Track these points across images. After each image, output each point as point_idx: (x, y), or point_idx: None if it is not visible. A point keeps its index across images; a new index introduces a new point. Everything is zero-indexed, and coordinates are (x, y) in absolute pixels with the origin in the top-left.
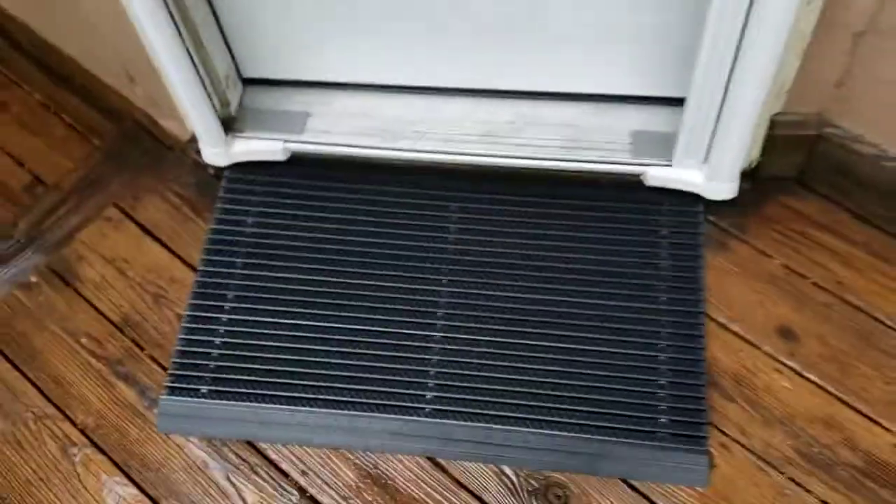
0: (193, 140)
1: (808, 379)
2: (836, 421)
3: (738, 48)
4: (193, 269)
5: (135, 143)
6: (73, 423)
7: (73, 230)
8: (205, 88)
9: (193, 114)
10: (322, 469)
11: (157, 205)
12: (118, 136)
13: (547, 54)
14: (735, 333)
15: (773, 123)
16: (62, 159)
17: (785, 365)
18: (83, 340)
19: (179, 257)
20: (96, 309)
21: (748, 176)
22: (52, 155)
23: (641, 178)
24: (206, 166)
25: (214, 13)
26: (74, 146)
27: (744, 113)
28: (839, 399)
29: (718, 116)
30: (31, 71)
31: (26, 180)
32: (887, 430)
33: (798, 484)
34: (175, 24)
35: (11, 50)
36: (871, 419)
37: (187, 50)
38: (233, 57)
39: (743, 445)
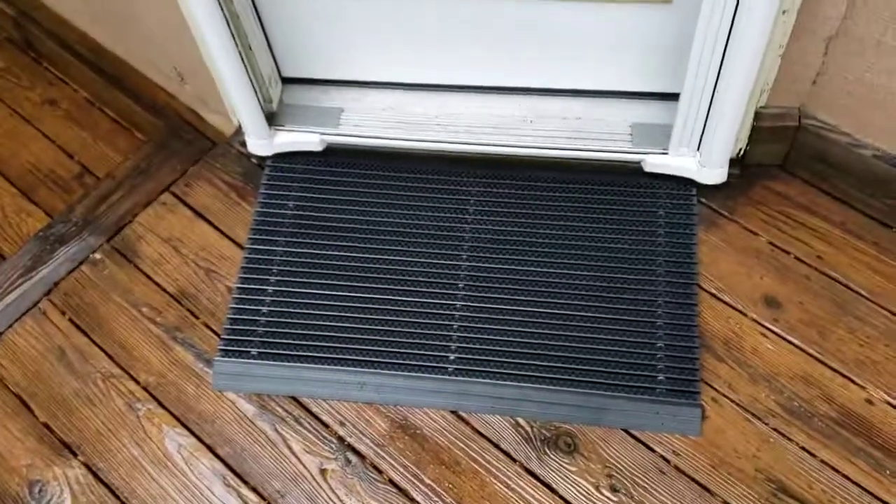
0: (237, 133)
1: (789, 342)
2: (814, 378)
3: (724, 51)
4: (241, 247)
5: (180, 137)
6: (137, 382)
7: (125, 214)
8: (252, 87)
9: (242, 109)
10: (358, 420)
11: (207, 191)
12: (165, 130)
13: (554, 55)
14: (725, 302)
15: (758, 115)
16: (108, 151)
17: (769, 329)
18: (144, 310)
19: (228, 237)
20: (155, 282)
21: (736, 162)
22: (98, 147)
23: (641, 164)
24: (250, 156)
25: (261, 21)
26: (119, 139)
27: (731, 107)
28: (817, 359)
29: (709, 110)
30: (78, 69)
31: (76, 170)
32: (860, 386)
33: (781, 433)
34: (230, 31)
35: (62, 50)
36: (845, 377)
37: (239, 53)
38: (275, 59)
39: (731, 400)
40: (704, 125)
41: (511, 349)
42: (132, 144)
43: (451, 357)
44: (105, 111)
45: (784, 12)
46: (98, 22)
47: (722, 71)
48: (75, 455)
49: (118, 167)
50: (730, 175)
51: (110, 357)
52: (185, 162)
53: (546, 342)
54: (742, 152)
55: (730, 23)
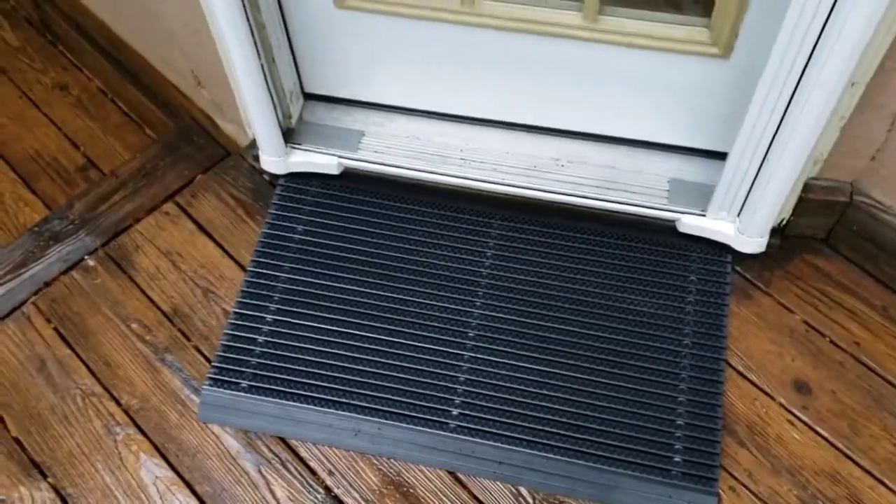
0: (251, 146)
1: (818, 433)
2: (841, 476)
3: (783, 117)
4: (243, 268)
5: (191, 141)
6: (118, 404)
7: (125, 217)
8: (272, 101)
9: (258, 124)
10: (348, 471)
11: (214, 204)
12: (175, 132)
13: (593, 98)
14: (752, 382)
15: (807, 186)
16: (116, 145)
17: (797, 417)
18: (134, 326)
19: (230, 256)
20: (148, 297)
21: (777, 232)
22: (106, 140)
23: (675, 224)
24: (262, 172)
25: (287, 33)
26: (128, 134)
27: (782, 175)
28: (846, 455)
29: (756, 176)
30: (94, 58)
31: (80, 162)
32: (891, 490)
33: None
34: (254, 41)
35: (79, 36)
36: (875, 478)
37: (261, 66)
38: (298, 73)
39: (751, 490)
40: (749, 190)
41: (519, 410)
42: (141, 142)
43: (454, 412)
44: (117, 103)
45: (853, 84)
46: (119, 13)
47: (777, 137)
48: (45, 476)
49: (123, 166)
50: (768, 245)
51: (93, 373)
52: (194, 168)
53: (557, 406)
54: (785, 222)
55: (793, 88)
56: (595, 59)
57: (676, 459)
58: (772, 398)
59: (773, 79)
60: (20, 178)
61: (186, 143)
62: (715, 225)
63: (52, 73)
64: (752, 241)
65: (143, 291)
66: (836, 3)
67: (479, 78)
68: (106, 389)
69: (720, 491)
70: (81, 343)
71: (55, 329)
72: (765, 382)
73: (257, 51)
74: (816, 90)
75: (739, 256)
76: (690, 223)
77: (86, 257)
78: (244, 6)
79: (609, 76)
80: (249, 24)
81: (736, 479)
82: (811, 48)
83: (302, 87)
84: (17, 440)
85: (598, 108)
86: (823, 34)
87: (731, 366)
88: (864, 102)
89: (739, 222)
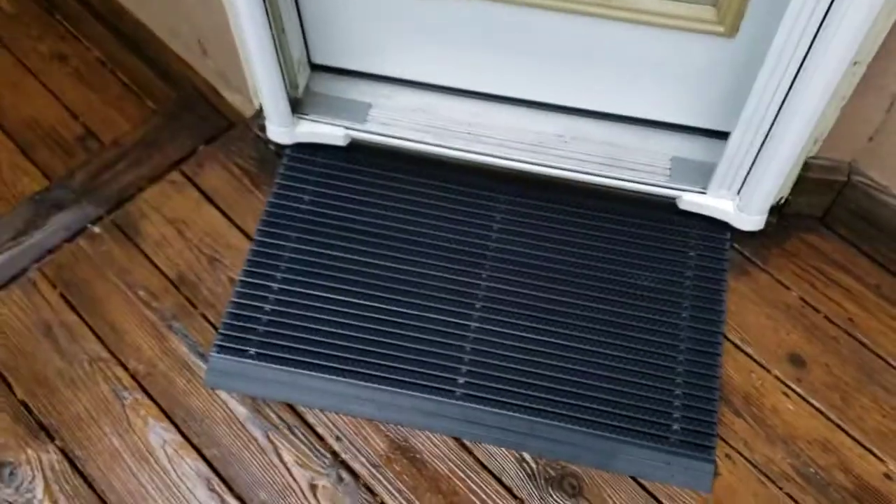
0: (257, 116)
1: (811, 404)
2: (833, 445)
3: (786, 96)
4: (249, 237)
5: (193, 110)
6: (126, 369)
7: (127, 186)
8: (280, 71)
9: (266, 93)
10: (355, 437)
11: (220, 174)
12: (177, 101)
13: (598, 75)
14: (748, 355)
15: (807, 165)
16: (116, 116)
17: (792, 389)
18: (140, 293)
19: (236, 225)
20: (154, 265)
21: (775, 210)
22: (105, 110)
23: (676, 201)
24: (267, 142)
25: (297, 3)
26: (128, 105)
27: (783, 154)
28: (838, 426)
29: (758, 154)
30: (93, 27)
31: (79, 132)
32: (880, 459)
33: (793, 499)
34: (266, 10)
35: (77, 4)
36: (865, 447)
37: (272, 35)
38: (306, 43)
39: (746, 458)
40: (750, 169)
41: (523, 379)
42: (142, 112)
43: (461, 381)
44: (116, 73)
45: (855, 63)
46: None
47: (779, 116)
48: (52, 439)
49: (125, 135)
50: (767, 223)
51: (100, 339)
52: (197, 139)
53: (560, 376)
54: (783, 200)
55: (797, 68)
56: (602, 35)
57: (675, 428)
58: (767, 371)
59: (778, 58)
60: (18, 148)
61: (189, 113)
62: (715, 202)
63: (49, 41)
64: (751, 218)
65: (149, 259)
66: None
67: (487, 53)
68: (113, 354)
69: (717, 458)
70: (88, 309)
71: (61, 295)
72: (761, 355)
73: (269, 21)
74: (820, 70)
75: (738, 234)
76: (691, 200)
77: (90, 225)
78: None
79: (615, 53)
80: None
81: (732, 447)
82: (816, 28)
83: (309, 58)
84: (23, 403)
85: (604, 85)
86: (829, 14)
87: (728, 339)
88: (864, 83)
89: (739, 200)
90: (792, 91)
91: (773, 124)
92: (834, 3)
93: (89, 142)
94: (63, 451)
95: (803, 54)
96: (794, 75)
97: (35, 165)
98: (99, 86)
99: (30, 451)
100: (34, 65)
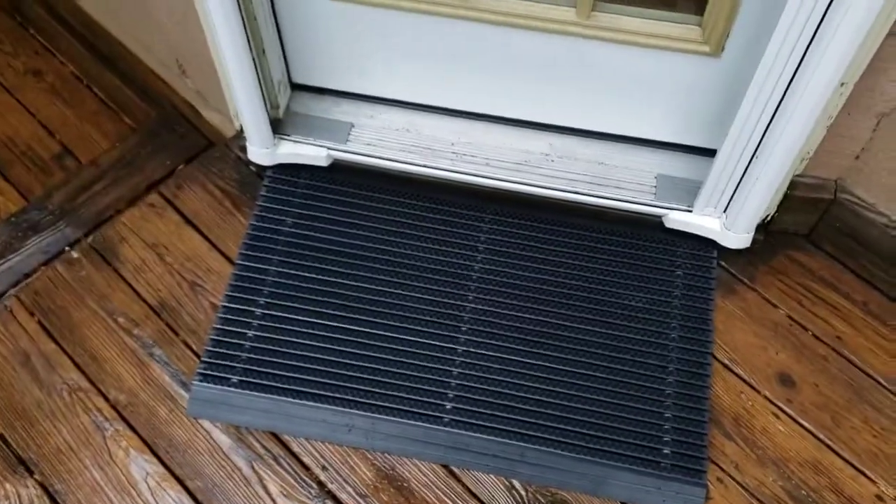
0: (237, 137)
1: (801, 425)
2: (824, 467)
3: (773, 116)
4: (230, 261)
5: (172, 129)
6: (106, 399)
7: (106, 207)
8: (261, 92)
9: (247, 114)
10: (342, 466)
11: (200, 196)
12: (157, 119)
13: (583, 94)
14: (738, 375)
15: (793, 183)
16: (93, 133)
17: (782, 410)
18: (120, 320)
19: (218, 249)
20: (134, 290)
21: (761, 227)
22: (82, 127)
23: (662, 219)
24: (248, 163)
25: (277, 24)
26: (105, 121)
27: (770, 173)
28: (829, 447)
29: (744, 174)
30: (68, 42)
31: (56, 150)
32: (871, 480)
33: None
34: (246, 33)
35: (51, 19)
36: (856, 468)
37: (252, 58)
38: (286, 63)
39: (737, 482)
40: (737, 188)
41: (512, 403)
42: (119, 129)
43: (448, 406)
44: (93, 89)
45: (843, 84)
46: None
47: (767, 136)
48: (31, 473)
49: (103, 155)
50: (753, 240)
51: (79, 368)
52: (176, 158)
53: (549, 399)
54: (769, 218)
55: (784, 88)
56: (587, 54)
57: (665, 452)
58: (757, 391)
59: (766, 78)
60: None
61: (167, 132)
62: (701, 221)
63: (23, 57)
64: (738, 236)
65: (129, 284)
66: (831, 5)
67: (471, 71)
68: (93, 384)
69: (708, 482)
70: (67, 337)
71: (39, 322)
72: (750, 375)
73: (249, 44)
74: (808, 91)
75: (725, 251)
76: (677, 219)
77: (68, 248)
78: None
79: (601, 72)
80: (241, 15)
81: (723, 470)
82: (804, 49)
83: (290, 77)
84: (1, 437)
85: (589, 103)
86: (817, 35)
87: (717, 359)
88: (851, 102)
89: (726, 218)
90: (779, 111)
91: (760, 144)
92: (822, 25)
93: (66, 160)
94: (42, 486)
95: (791, 75)
96: (781, 96)
97: (11, 184)
98: (75, 102)
99: (8, 486)
100: (9, 81)
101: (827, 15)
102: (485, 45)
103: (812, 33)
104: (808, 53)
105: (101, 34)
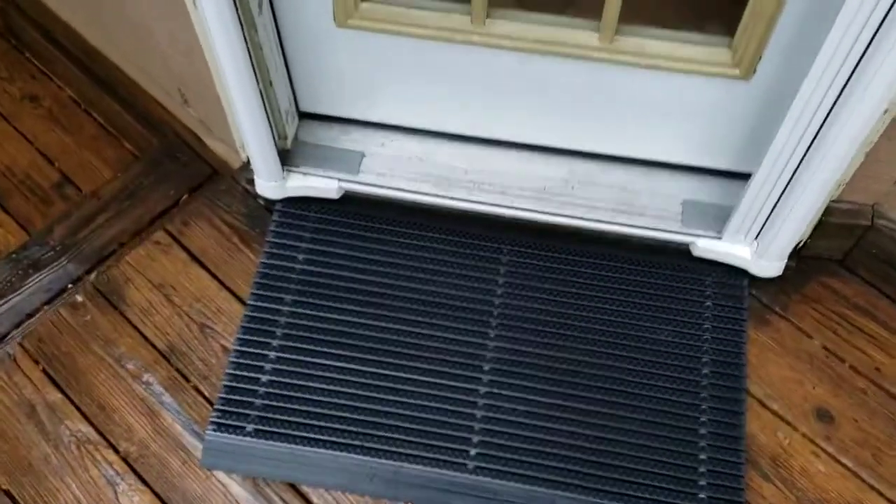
0: (244, 168)
1: (842, 463)
2: None
3: (812, 141)
4: (240, 300)
5: (175, 158)
6: (116, 451)
7: (109, 242)
8: (268, 123)
9: (254, 148)
10: None
11: (207, 232)
12: (159, 148)
13: (606, 118)
14: (773, 412)
15: (828, 209)
16: (93, 160)
17: (821, 448)
18: (128, 366)
19: (227, 287)
20: (142, 335)
21: (793, 254)
22: (82, 154)
23: (689, 247)
24: (256, 196)
25: (284, 53)
26: (106, 147)
27: (807, 200)
28: (871, 486)
29: (779, 200)
30: (65, 66)
31: (55, 179)
32: None
33: None
34: (252, 64)
35: (47, 42)
36: None
37: (259, 91)
38: (293, 91)
39: None
40: (770, 214)
41: (539, 448)
42: (120, 155)
43: (472, 452)
44: (91, 114)
45: (885, 111)
46: (92, 22)
47: (804, 162)
48: None
49: (105, 186)
50: (784, 267)
51: (87, 419)
52: (180, 188)
53: (578, 443)
54: (801, 244)
55: (826, 113)
56: (610, 79)
57: (701, 496)
58: (794, 428)
59: (806, 103)
60: None
61: (170, 160)
62: (731, 249)
63: (19, 82)
64: (771, 264)
65: (135, 328)
66: (882, 26)
67: (487, 97)
68: (102, 436)
69: None
70: (73, 386)
71: (44, 371)
72: (786, 411)
73: (254, 73)
74: (852, 119)
75: (755, 280)
76: (706, 247)
77: (70, 288)
78: (241, 26)
79: (624, 96)
80: (247, 45)
81: None
82: (848, 75)
83: (297, 106)
84: (8, 493)
85: (611, 128)
86: (862, 62)
87: (751, 395)
88: (891, 126)
89: (757, 245)
90: (820, 136)
91: (796, 170)
92: (868, 51)
93: (67, 188)
94: None
95: (832, 102)
96: (822, 121)
97: (10, 216)
98: (74, 127)
99: None
100: (4, 107)
101: (878, 33)
102: (502, 70)
103: (856, 60)
104: (852, 79)
105: (99, 59)
